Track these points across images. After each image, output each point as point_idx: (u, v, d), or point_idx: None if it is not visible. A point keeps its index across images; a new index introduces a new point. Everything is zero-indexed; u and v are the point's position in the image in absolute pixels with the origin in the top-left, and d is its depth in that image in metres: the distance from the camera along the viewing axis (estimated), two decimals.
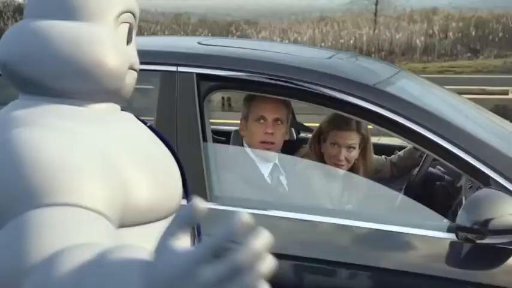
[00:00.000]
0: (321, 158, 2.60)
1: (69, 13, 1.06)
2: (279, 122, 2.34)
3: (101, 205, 0.90)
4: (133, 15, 1.17)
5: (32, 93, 1.06)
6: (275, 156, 2.41)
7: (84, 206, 0.88)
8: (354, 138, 2.54)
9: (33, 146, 0.91)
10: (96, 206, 0.90)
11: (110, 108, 1.12)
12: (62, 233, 0.82)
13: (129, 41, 1.15)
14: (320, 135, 2.62)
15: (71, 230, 0.83)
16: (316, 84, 2.06)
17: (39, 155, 0.90)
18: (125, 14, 1.13)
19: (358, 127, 2.54)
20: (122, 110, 1.18)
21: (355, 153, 2.57)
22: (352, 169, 2.63)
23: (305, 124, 3.48)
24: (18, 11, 22.62)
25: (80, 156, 0.93)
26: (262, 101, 2.34)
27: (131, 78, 1.15)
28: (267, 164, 2.37)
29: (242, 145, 2.41)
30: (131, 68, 1.14)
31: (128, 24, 1.14)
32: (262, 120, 2.33)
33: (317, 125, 2.70)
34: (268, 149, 2.34)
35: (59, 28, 1.04)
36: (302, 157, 2.69)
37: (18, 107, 1.03)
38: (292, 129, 3.47)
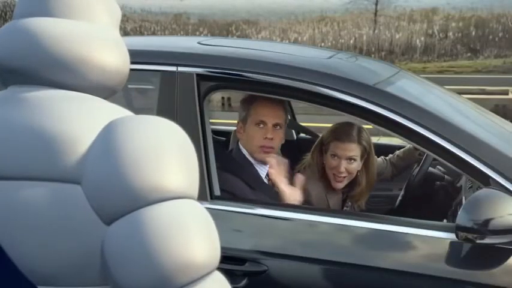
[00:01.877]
0: (322, 169, 2.58)
1: (80, 13, 1.08)
2: (278, 127, 2.34)
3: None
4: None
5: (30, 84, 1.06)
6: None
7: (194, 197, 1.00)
8: (354, 150, 2.51)
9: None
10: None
11: None
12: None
13: None
14: (322, 146, 2.61)
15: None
16: (316, 84, 2.05)
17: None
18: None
19: (359, 139, 2.51)
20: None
21: (356, 165, 2.53)
22: (355, 181, 2.61)
23: (304, 125, 3.48)
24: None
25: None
26: (262, 105, 2.33)
27: None
28: (264, 166, 2.37)
29: (238, 146, 2.41)
30: None
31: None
32: (262, 125, 2.31)
33: (316, 125, 2.69)
34: (266, 153, 2.33)
35: (68, 26, 1.05)
36: (304, 168, 2.68)
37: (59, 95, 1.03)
38: (293, 131, 3.47)
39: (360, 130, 2.53)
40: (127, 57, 1.13)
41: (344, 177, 2.52)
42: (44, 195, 0.95)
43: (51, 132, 0.96)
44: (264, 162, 2.36)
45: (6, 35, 1.06)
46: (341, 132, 2.53)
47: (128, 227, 0.92)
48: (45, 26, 1.04)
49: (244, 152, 2.36)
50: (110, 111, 1.03)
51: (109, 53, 1.07)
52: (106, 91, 1.10)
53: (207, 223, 0.99)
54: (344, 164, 2.50)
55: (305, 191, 2.51)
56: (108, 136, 0.96)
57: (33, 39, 1.03)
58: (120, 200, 0.93)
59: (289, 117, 3.36)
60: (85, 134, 0.96)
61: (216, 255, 0.97)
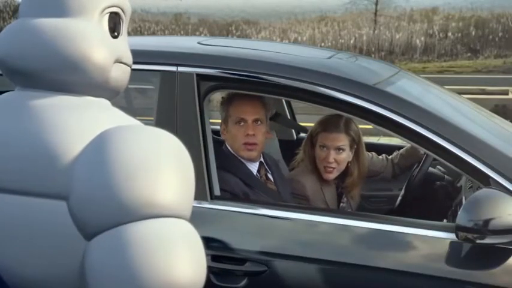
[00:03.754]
0: (314, 162, 2.60)
1: (59, 10, 1.08)
2: (259, 122, 2.35)
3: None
4: (122, 10, 1.17)
5: (33, 88, 1.06)
6: (259, 155, 2.43)
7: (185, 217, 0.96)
8: (342, 140, 2.54)
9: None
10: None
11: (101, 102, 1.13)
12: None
13: (117, 35, 1.16)
14: (311, 139, 2.63)
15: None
16: (316, 84, 2.05)
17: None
18: (110, 8, 1.14)
19: (347, 129, 2.54)
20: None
21: (345, 156, 2.56)
22: (346, 172, 2.63)
23: (304, 125, 3.48)
24: (18, 10, 22.64)
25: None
26: (240, 103, 2.35)
27: (119, 71, 1.14)
28: (254, 164, 2.40)
29: (226, 147, 2.41)
30: (119, 62, 1.14)
31: (107, 15, 1.14)
32: (242, 123, 2.34)
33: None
34: (251, 150, 2.35)
35: (49, 25, 1.05)
36: (297, 164, 2.70)
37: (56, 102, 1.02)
38: (292, 131, 3.47)
39: (348, 121, 2.56)
40: None
41: (333, 168, 2.54)
42: (29, 211, 0.93)
43: (41, 146, 0.95)
44: (251, 160, 2.38)
45: (11, 35, 1.07)
46: (328, 123, 2.56)
47: (111, 241, 0.89)
48: (49, 26, 1.04)
49: (232, 151, 2.38)
50: (111, 121, 1.00)
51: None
52: (109, 90, 1.10)
53: (195, 244, 0.94)
54: (333, 155, 2.52)
55: (300, 184, 2.53)
56: (98, 145, 0.93)
57: (37, 39, 1.03)
58: (106, 212, 0.89)
59: (290, 118, 3.38)
60: (75, 147, 0.94)
61: (201, 277, 0.93)
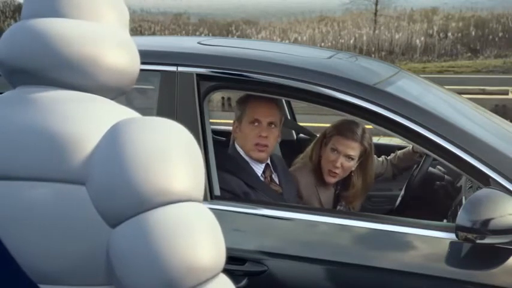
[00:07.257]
0: (318, 161, 2.59)
1: (88, 14, 1.08)
2: (273, 125, 2.36)
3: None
4: None
5: (36, 84, 1.06)
6: (268, 157, 2.43)
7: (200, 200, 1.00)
8: (355, 149, 2.53)
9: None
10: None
11: None
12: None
13: None
14: (323, 139, 2.62)
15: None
16: (316, 84, 2.05)
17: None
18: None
19: (362, 139, 2.54)
20: None
21: (352, 164, 2.56)
22: (349, 181, 2.62)
23: (304, 125, 3.48)
24: (18, 10, 22.69)
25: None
26: (256, 104, 2.35)
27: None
28: (260, 165, 2.40)
29: (234, 146, 2.41)
30: None
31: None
32: (256, 123, 2.34)
33: (316, 125, 2.70)
34: (261, 151, 2.35)
35: (77, 26, 1.05)
36: (299, 160, 2.69)
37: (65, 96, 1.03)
38: (292, 131, 3.47)
39: (364, 131, 2.55)
40: (136, 58, 1.13)
41: (337, 173, 2.55)
42: (48, 196, 0.95)
43: (55, 133, 0.96)
44: (259, 161, 2.37)
45: (15, 35, 1.06)
46: (346, 129, 2.55)
47: (134, 230, 0.92)
48: (54, 27, 1.04)
49: (240, 151, 2.38)
50: (117, 113, 1.02)
51: (117, 53, 1.07)
52: (114, 91, 1.10)
53: (213, 226, 0.98)
54: (341, 160, 2.52)
55: (295, 179, 2.53)
56: (114, 137, 0.96)
57: (42, 39, 1.02)
58: (126, 202, 0.93)
59: (290, 118, 3.38)
60: (90, 135, 0.96)
61: (221, 257, 0.97)
